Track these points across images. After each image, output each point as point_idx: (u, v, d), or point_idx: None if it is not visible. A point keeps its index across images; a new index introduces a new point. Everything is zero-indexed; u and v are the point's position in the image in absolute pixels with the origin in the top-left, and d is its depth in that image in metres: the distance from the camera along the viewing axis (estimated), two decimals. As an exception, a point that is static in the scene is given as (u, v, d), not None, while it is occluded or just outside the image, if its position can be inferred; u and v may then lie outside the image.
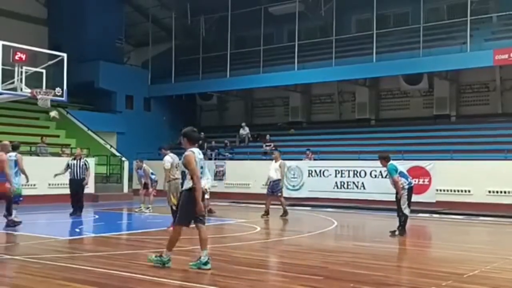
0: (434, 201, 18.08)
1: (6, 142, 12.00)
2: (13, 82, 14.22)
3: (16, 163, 11.52)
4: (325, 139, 23.61)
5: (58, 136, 23.02)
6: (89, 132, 23.57)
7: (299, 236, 9.94)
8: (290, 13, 24.92)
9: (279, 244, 9.81)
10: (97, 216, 14.93)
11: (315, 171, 20.19)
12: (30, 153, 19.08)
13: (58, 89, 14.78)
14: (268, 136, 23.99)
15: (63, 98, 15.41)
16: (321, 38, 25.44)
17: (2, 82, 14.05)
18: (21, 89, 14.31)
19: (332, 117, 26.62)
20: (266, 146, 23.50)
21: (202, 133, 25.80)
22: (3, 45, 13.97)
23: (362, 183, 19.16)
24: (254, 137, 25.67)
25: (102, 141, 23.34)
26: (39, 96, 14.45)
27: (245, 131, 25.54)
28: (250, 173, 21.86)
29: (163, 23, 29.96)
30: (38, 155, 19.27)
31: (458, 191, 17.94)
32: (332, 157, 21.04)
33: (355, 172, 19.39)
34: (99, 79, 25.90)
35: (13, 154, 11.57)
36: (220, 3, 26.09)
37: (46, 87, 14.75)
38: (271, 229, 12.62)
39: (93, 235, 11.24)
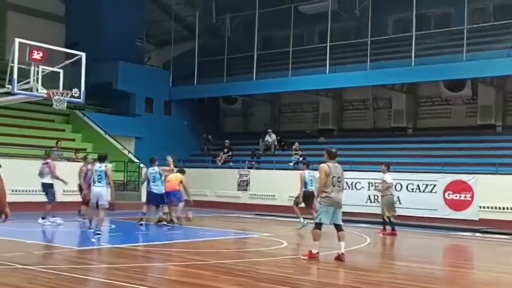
0: (477, 218, 17.79)
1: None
2: (28, 82, 14.49)
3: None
4: (358, 148, 23.45)
5: (73, 140, 23.35)
6: (106, 136, 23.85)
7: (329, 252, 9.87)
8: (322, 12, 24.88)
9: (307, 261, 9.75)
10: (113, 226, 15.07)
11: (346, 183, 20.03)
12: (44, 158, 19.32)
13: (75, 90, 15.01)
14: (296, 144, 23.90)
15: (81, 100, 15.64)
16: (355, 40, 25.34)
17: (18, 82, 14.34)
18: (37, 90, 14.57)
19: (366, 124, 26.45)
20: (295, 155, 23.44)
21: (227, 141, 25.96)
22: (20, 43, 14.25)
23: (398, 197, 18.96)
24: (281, 145, 25.63)
25: (119, 146, 23.58)
26: (55, 97, 14.69)
27: (271, 138, 25.52)
28: (276, 184, 21.82)
29: (187, 22, 30.20)
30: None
31: (503, 208, 17.62)
32: (365, 168, 20.88)
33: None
34: (117, 80, 26.18)
35: (103, 165, 12.61)
36: (247, 1, 26.21)
37: (63, 88, 14.99)
38: (299, 244, 12.57)
39: (110, 245, 11.35)
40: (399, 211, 17.75)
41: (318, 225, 9.68)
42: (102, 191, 12.49)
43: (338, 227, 9.78)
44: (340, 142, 24.35)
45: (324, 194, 9.61)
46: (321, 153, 24.57)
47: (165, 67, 29.43)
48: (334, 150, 10.17)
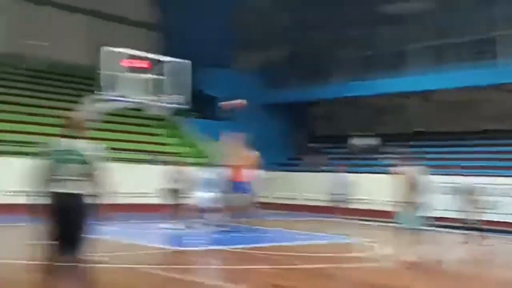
0: None
1: None
2: (126, 89, 15.17)
3: None
4: (450, 151, 22.61)
5: (168, 145, 24.16)
6: (200, 140, 24.46)
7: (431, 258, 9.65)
8: (421, 11, 24.21)
9: (402, 267, 9.56)
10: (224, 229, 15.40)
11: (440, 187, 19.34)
12: (144, 162, 20.16)
13: (178, 96, 15.55)
14: (396, 148, 23.35)
15: (184, 106, 16.17)
16: (446, 40, 24.41)
17: (115, 89, 15.03)
18: (134, 96, 15.25)
19: (459, 127, 25.39)
20: (393, 158, 22.96)
21: (318, 144, 25.86)
22: (117, 52, 14.95)
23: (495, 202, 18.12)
24: (371, 148, 25.20)
25: (213, 151, 24.09)
26: (154, 103, 15.30)
27: (362, 141, 25.19)
28: (374, 188, 21.45)
29: (278, 25, 30.30)
30: (150, 164, 20.32)
31: None
32: (462, 172, 20.02)
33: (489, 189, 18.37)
34: (210, 85, 26.78)
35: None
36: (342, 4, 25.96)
37: (161, 94, 15.59)
38: (401, 252, 12.30)
39: (209, 247, 11.67)
40: (495, 218, 16.99)
41: (406, 231, 9.63)
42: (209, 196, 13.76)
43: (415, 232, 9.74)
44: (431, 145, 23.61)
45: (409, 200, 9.59)
46: (416, 156, 23.91)
47: (257, 72, 29.70)
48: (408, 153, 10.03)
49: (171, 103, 15.42)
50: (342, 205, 14.75)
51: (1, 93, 21.92)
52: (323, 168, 24.49)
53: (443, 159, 21.34)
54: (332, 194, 14.92)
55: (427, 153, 21.93)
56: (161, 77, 15.61)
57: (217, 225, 14.07)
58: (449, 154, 22.29)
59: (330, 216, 15.09)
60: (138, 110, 21.78)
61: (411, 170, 9.79)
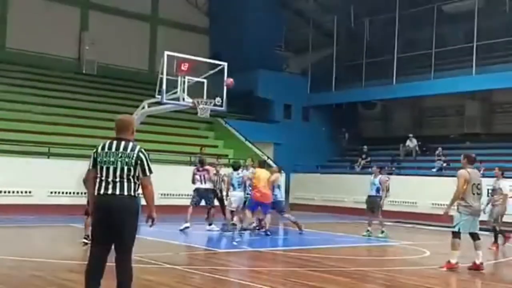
0: None
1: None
2: (176, 92, 15.43)
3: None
4: (509, 153, 21.91)
5: (216, 147, 24.41)
6: (247, 142, 24.63)
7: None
8: (467, 11, 23.71)
9: (453, 272, 9.33)
10: (269, 234, 15.42)
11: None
12: (190, 163, 20.41)
13: (218, 98, 15.72)
14: (439, 150, 22.96)
15: (223, 108, 16.34)
16: (505, 38, 23.75)
17: (166, 92, 15.32)
18: (183, 99, 15.47)
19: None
20: (438, 160, 22.52)
21: (365, 146, 25.63)
22: (168, 56, 15.23)
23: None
24: (422, 150, 24.77)
25: (259, 152, 24.23)
26: (200, 106, 15.48)
27: (412, 143, 24.78)
28: (418, 190, 21.13)
29: (324, 28, 30.30)
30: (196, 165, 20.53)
31: None
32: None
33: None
34: (257, 87, 26.96)
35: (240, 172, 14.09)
36: (387, 4, 25.72)
37: (207, 97, 15.77)
38: (444, 254, 12.02)
39: (250, 249, 11.70)
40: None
41: (457, 234, 9.21)
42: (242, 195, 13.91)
43: (474, 236, 9.30)
44: (489, 147, 22.98)
45: (464, 203, 9.12)
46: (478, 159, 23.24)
47: (303, 74, 29.75)
48: (473, 155, 9.58)
49: (210, 105, 15.55)
50: (376, 208, 14.41)
51: (60, 97, 22.71)
52: (369, 170, 24.26)
53: (502, 161, 20.65)
54: (369, 196, 14.65)
55: (487, 155, 21.28)
56: (200, 79, 15.74)
57: (246, 228, 14.18)
58: (509, 156, 21.56)
59: (375, 219, 14.82)
60: (188, 113, 22.25)
61: (475, 173, 9.36)
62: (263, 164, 14.88)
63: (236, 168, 14.19)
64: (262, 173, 13.91)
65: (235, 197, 13.83)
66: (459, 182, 9.18)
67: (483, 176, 11.24)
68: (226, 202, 14.47)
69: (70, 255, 9.51)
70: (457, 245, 9.23)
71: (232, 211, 14.11)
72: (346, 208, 22.45)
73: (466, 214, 9.15)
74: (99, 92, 24.45)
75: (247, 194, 14.30)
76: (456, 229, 9.23)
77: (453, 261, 9.22)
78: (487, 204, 12.74)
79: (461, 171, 9.26)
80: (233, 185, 13.86)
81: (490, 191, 13.40)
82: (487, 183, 12.91)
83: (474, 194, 9.15)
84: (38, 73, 23.99)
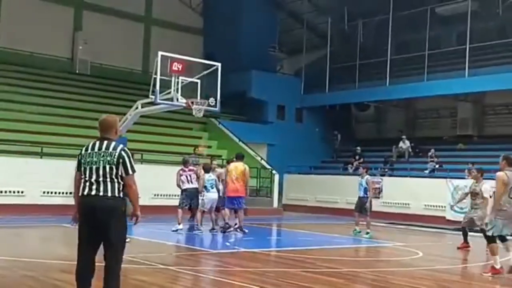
0: None
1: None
2: (169, 93, 15.41)
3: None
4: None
5: (210, 147, 24.39)
6: (240, 143, 24.62)
7: (470, 265, 9.41)
8: (461, 13, 23.80)
9: (445, 273, 9.35)
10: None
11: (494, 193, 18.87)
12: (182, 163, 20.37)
13: (212, 99, 15.72)
14: (432, 151, 23.04)
15: (216, 109, 16.34)
16: (498, 40, 23.87)
17: (160, 92, 15.29)
18: (177, 99, 15.45)
19: (510, 130, 24.77)
20: (431, 162, 22.58)
21: (358, 148, 25.68)
22: (162, 56, 15.21)
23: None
24: (415, 152, 24.83)
25: (252, 153, 24.24)
26: (193, 106, 15.46)
27: (405, 144, 24.83)
28: (411, 192, 21.18)
29: (318, 29, 30.35)
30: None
31: None
32: None
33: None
34: (251, 88, 26.95)
35: (211, 174, 13.56)
36: (380, 6, 25.78)
37: (200, 97, 15.75)
38: (436, 256, 12.09)
39: (243, 250, 11.70)
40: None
41: (493, 238, 9.04)
42: (216, 197, 13.63)
43: (503, 238, 9.22)
44: (481, 149, 23.09)
45: (500, 207, 8.83)
46: (459, 160, 23.37)
47: (297, 75, 29.79)
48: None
49: (204, 106, 15.53)
50: (363, 209, 14.47)
51: (53, 97, 22.61)
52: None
53: (494, 163, 20.70)
54: (358, 197, 14.71)
55: (479, 157, 21.35)
56: (194, 80, 15.72)
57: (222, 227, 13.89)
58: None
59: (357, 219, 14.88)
60: (181, 113, 22.20)
61: (501, 176, 8.93)
62: (240, 158, 14.28)
63: (207, 170, 13.81)
64: (232, 167, 13.86)
65: (208, 198, 13.51)
66: (497, 185, 8.91)
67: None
68: (199, 203, 13.84)
69: (62, 255, 9.46)
70: (496, 249, 9.01)
71: (203, 212, 13.73)
72: (339, 209, 22.46)
73: (502, 219, 8.86)
74: (93, 92, 24.34)
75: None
76: (490, 233, 9.02)
77: (497, 266, 8.97)
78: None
79: (499, 173, 8.95)
80: (205, 187, 13.53)
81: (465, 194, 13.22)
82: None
83: (511, 197, 8.86)
84: (31, 73, 23.87)
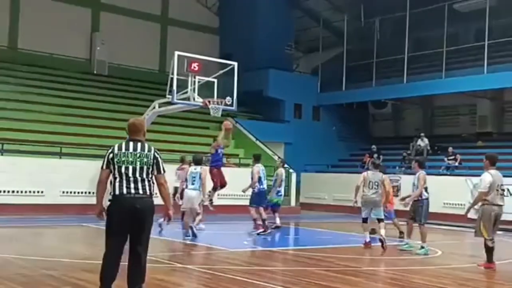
0: None
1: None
2: (186, 92, 15.46)
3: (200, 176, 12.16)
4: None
5: (226, 146, 24.36)
6: (257, 142, 24.61)
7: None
8: (479, 9, 23.56)
9: (465, 272, 9.26)
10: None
11: (508, 190, 18.66)
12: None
13: (228, 98, 15.71)
14: (450, 149, 22.84)
15: (233, 108, 16.33)
16: None
17: (177, 92, 15.35)
18: (194, 99, 15.49)
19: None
20: (449, 160, 22.40)
21: (374, 146, 25.54)
22: (178, 56, 15.25)
23: None
24: (434, 150, 24.64)
25: (270, 152, 24.21)
26: (210, 106, 15.48)
27: (423, 142, 24.64)
28: (429, 189, 20.93)
29: (335, 27, 30.25)
30: (205, 165, 20.53)
31: None
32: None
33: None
34: (268, 87, 26.95)
35: (198, 167, 12.29)
36: (397, 3, 25.61)
37: (217, 97, 15.78)
38: (456, 254, 11.99)
39: (261, 248, 11.69)
40: None
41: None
42: (195, 195, 12.08)
43: None
44: (501, 146, 22.82)
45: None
46: (477, 158, 23.04)
47: (314, 73, 29.73)
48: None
49: (221, 105, 15.54)
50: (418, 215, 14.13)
51: (71, 98, 22.79)
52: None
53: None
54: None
55: (499, 154, 20.98)
56: (211, 79, 15.74)
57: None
58: None
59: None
60: (198, 112, 22.25)
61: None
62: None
63: (197, 162, 12.41)
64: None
65: (188, 195, 12.07)
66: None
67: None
68: (176, 200, 12.74)
69: (83, 255, 9.55)
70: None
71: (183, 212, 12.34)
72: (357, 207, 22.31)
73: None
74: (110, 93, 24.53)
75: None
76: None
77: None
78: None
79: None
80: (186, 180, 12.20)
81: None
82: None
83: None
84: (49, 74, 24.13)
